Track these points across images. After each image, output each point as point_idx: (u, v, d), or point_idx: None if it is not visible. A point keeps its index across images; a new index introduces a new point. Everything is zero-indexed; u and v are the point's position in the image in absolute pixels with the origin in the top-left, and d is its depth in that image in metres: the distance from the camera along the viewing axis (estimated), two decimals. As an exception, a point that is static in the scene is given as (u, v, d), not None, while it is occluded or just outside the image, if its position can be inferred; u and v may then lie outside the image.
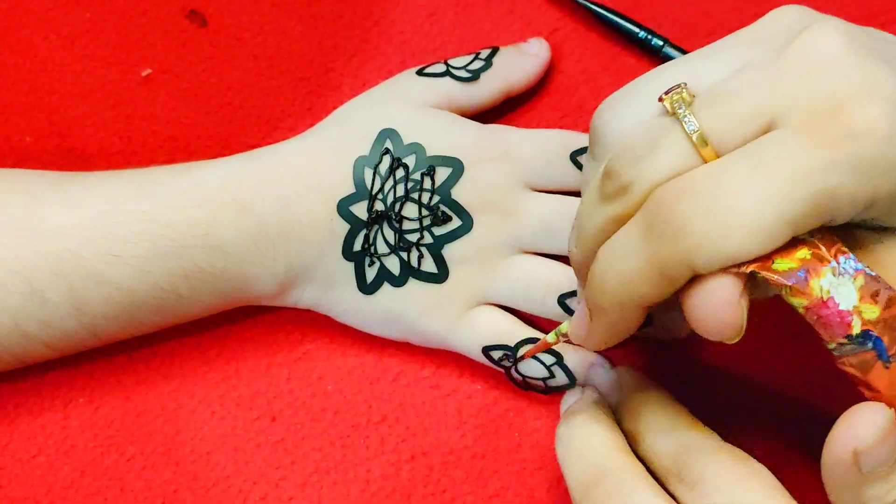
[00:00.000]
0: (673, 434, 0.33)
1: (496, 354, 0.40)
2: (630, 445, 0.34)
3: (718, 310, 0.27)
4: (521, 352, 0.40)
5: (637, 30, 0.45)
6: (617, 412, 0.36)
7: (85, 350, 0.41)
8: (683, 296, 0.28)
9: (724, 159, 0.27)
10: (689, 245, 0.27)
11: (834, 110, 0.26)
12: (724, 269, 0.27)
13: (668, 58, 0.44)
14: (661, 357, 0.41)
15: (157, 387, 0.43)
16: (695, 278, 0.28)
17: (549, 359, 0.40)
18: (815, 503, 0.30)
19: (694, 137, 0.28)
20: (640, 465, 0.33)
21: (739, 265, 0.27)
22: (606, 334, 0.32)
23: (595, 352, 0.41)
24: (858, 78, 0.27)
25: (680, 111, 0.28)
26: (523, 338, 0.40)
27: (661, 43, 0.44)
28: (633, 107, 0.31)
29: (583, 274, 0.32)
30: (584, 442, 0.34)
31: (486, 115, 0.43)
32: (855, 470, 0.27)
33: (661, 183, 0.28)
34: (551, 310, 0.40)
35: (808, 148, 0.26)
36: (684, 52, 0.44)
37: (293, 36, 0.47)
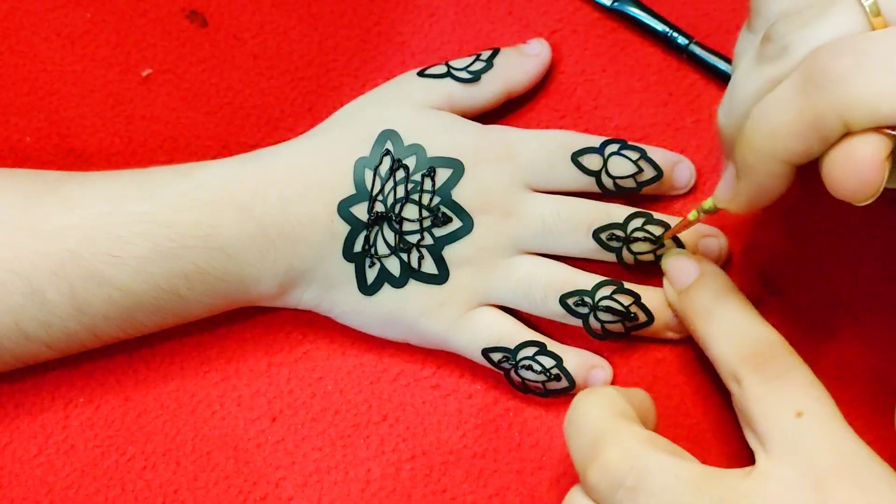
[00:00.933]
0: (757, 328, 0.35)
1: (496, 356, 0.40)
2: (702, 344, 0.36)
3: (862, 167, 0.28)
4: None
5: (663, 27, 0.45)
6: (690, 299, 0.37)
7: (85, 350, 0.41)
8: (828, 153, 0.28)
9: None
10: (846, 98, 0.27)
11: None
12: (877, 129, 0.27)
13: (693, 56, 0.44)
14: (661, 357, 0.41)
15: (157, 387, 0.43)
16: (842, 137, 0.28)
17: (549, 361, 0.40)
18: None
19: (867, 6, 0.28)
20: (642, 429, 0.33)
21: (893, 127, 0.27)
22: (752, 194, 0.32)
23: (594, 353, 0.41)
24: None
25: None
26: (524, 340, 0.40)
27: (686, 41, 0.44)
28: None
29: (731, 145, 0.32)
30: (584, 414, 0.34)
31: (487, 116, 0.43)
32: None
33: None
34: (552, 310, 0.40)
35: None
36: (710, 50, 0.44)
37: (293, 36, 0.47)
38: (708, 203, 0.35)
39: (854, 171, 0.28)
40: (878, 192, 0.28)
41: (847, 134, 0.28)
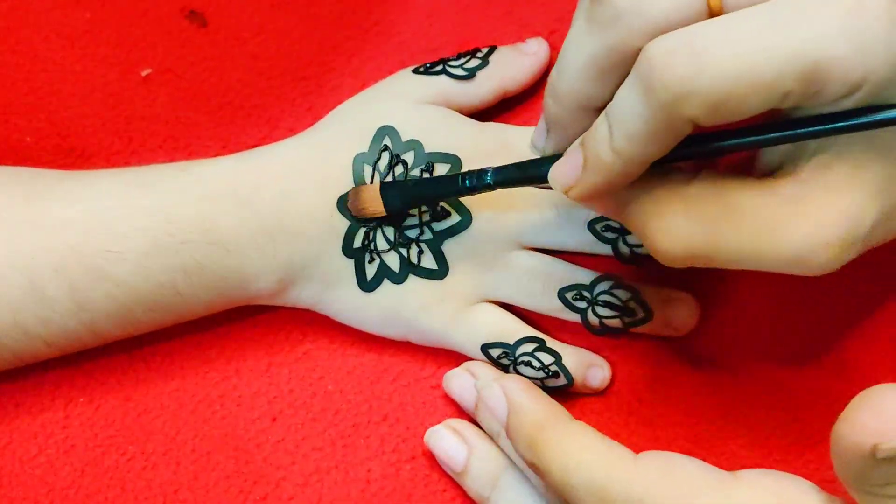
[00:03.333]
0: None
1: (495, 352, 0.40)
2: None
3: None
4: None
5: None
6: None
7: (85, 348, 0.41)
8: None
9: (731, 16, 0.27)
10: (689, 103, 0.27)
11: None
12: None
13: None
14: (660, 356, 0.41)
15: (157, 387, 0.43)
16: None
17: (547, 358, 0.40)
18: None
19: None
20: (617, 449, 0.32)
21: None
22: (599, 189, 0.31)
23: (594, 353, 0.41)
24: None
25: None
26: (522, 336, 0.40)
27: None
28: None
29: (561, 115, 0.32)
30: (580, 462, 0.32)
31: (484, 115, 0.43)
32: (870, 456, 0.26)
33: (659, 22, 0.28)
34: (551, 304, 0.40)
35: (821, 14, 0.26)
36: None
37: (293, 36, 0.47)
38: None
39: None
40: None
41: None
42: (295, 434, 0.42)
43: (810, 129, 0.28)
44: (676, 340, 0.41)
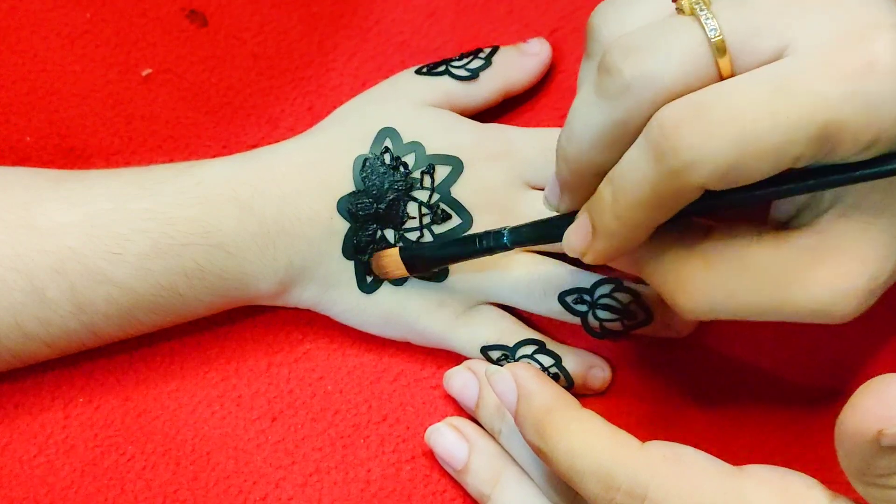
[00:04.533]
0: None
1: (495, 354, 0.40)
2: None
3: None
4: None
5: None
6: None
7: (85, 349, 0.41)
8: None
9: (738, 79, 0.27)
10: (700, 171, 0.27)
11: (854, 42, 0.26)
12: None
13: None
14: (661, 357, 0.41)
15: (157, 387, 0.42)
16: None
17: (547, 360, 0.40)
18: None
19: (713, 41, 0.27)
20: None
21: None
22: (610, 253, 0.31)
23: (594, 353, 0.41)
24: (881, 11, 0.27)
25: (701, 12, 0.27)
26: (522, 338, 0.40)
27: None
28: (639, 5, 0.30)
29: (573, 180, 0.32)
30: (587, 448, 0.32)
31: (486, 115, 0.43)
32: (874, 443, 0.26)
33: (669, 90, 0.28)
34: (552, 308, 0.40)
35: (828, 78, 0.26)
36: None
37: (293, 36, 0.47)
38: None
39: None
40: None
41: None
42: (295, 434, 0.42)
43: (825, 179, 0.28)
44: (676, 341, 0.41)
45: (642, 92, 0.28)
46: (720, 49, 0.27)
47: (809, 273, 0.29)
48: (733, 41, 0.27)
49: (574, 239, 0.33)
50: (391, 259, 0.39)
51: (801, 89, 0.26)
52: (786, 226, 0.31)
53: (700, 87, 0.27)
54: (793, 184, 0.28)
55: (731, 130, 0.26)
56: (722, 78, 0.28)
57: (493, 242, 0.36)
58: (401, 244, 0.40)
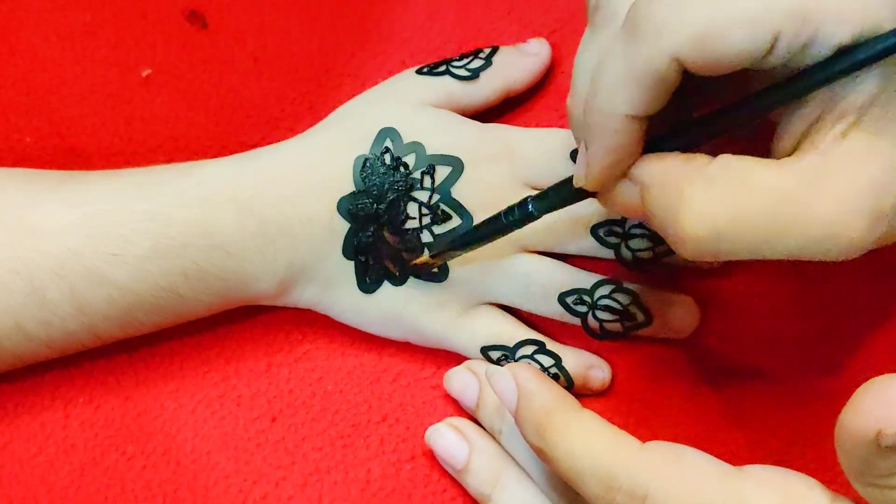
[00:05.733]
0: None
1: (494, 354, 0.40)
2: None
3: None
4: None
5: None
6: None
7: (85, 350, 0.41)
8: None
9: None
10: (672, 41, 0.27)
11: None
12: None
13: None
14: (661, 357, 0.41)
15: (157, 387, 0.43)
16: None
17: (547, 360, 0.40)
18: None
19: None
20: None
21: None
22: (602, 160, 0.31)
23: (593, 354, 0.41)
24: None
25: None
26: (522, 338, 0.40)
27: None
28: None
29: (579, 118, 0.32)
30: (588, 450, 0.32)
31: (486, 115, 0.43)
32: (874, 444, 0.26)
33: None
34: (552, 308, 0.40)
35: None
36: None
37: (293, 36, 0.47)
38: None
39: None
40: None
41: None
42: (294, 434, 0.42)
43: (811, 79, 0.28)
44: (676, 341, 0.41)
45: (627, 8, 0.28)
46: None
47: (814, 193, 0.28)
48: None
49: (578, 169, 0.32)
50: (424, 263, 0.39)
51: None
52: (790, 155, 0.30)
53: None
54: (780, 90, 0.28)
55: (705, 6, 0.26)
56: None
57: (519, 214, 0.36)
58: (429, 246, 0.40)
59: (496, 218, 0.37)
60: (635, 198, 0.31)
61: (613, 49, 0.29)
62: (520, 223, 0.36)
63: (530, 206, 0.36)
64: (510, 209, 0.36)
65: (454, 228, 0.40)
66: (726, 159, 0.29)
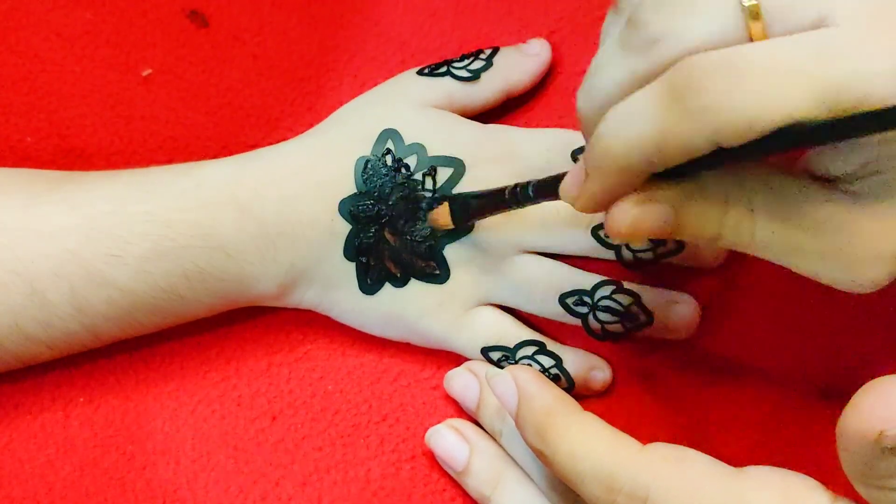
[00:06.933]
0: None
1: (495, 355, 0.40)
2: None
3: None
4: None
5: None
6: None
7: (85, 350, 0.41)
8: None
9: (778, 41, 0.26)
10: (717, 122, 0.26)
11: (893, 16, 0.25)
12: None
13: None
14: (661, 358, 0.41)
15: (157, 387, 0.43)
16: None
17: (548, 361, 0.40)
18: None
19: (747, 6, 0.26)
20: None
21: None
22: (599, 197, 0.30)
23: (594, 354, 0.41)
24: None
25: None
26: (523, 339, 0.40)
27: None
28: None
29: (589, 131, 0.31)
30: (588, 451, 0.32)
31: (487, 115, 0.43)
32: (875, 444, 0.26)
33: (696, 49, 0.27)
34: (552, 310, 0.40)
35: (870, 52, 0.25)
36: None
37: (293, 36, 0.47)
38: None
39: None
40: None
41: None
42: (294, 434, 0.42)
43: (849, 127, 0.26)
44: (677, 342, 0.41)
45: (669, 48, 0.27)
46: (753, 14, 0.26)
47: (848, 227, 0.29)
48: (768, 7, 0.26)
49: (569, 183, 0.32)
50: (442, 211, 0.39)
51: (841, 59, 0.25)
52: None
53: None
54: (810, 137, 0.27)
55: (762, 86, 0.25)
56: (752, 41, 0.27)
57: (521, 196, 0.36)
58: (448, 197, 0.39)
59: (500, 192, 0.37)
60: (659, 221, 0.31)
61: (648, 102, 0.27)
62: (520, 204, 0.36)
63: (530, 190, 0.35)
64: (514, 186, 0.36)
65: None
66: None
